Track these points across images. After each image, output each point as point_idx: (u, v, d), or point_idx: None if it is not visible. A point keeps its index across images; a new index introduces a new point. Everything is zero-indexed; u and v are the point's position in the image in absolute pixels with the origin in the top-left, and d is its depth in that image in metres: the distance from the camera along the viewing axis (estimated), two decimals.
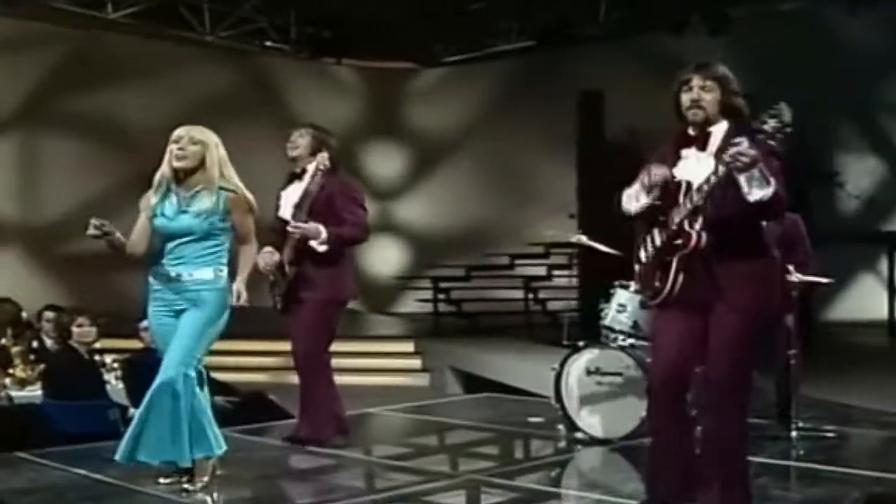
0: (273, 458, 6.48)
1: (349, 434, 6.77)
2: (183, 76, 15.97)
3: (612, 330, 6.81)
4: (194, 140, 5.38)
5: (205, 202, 5.35)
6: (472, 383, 12.17)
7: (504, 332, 14.71)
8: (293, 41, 16.70)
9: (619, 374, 6.64)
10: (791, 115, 4.24)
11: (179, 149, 5.36)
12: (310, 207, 6.49)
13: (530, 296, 16.22)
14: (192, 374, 5.34)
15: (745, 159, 4.25)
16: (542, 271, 16.56)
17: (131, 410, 7.38)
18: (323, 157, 6.52)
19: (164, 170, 5.42)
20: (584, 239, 7.22)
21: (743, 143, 4.28)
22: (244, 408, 8.06)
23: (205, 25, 15.54)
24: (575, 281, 16.22)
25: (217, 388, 7.08)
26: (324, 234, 6.44)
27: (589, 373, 6.76)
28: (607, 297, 6.90)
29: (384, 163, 18.34)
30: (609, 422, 6.65)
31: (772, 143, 4.33)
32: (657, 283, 4.62)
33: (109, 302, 12.11)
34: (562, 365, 6.88)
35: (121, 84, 15.45)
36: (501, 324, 15.40)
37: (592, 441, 6.70)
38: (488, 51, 17.16)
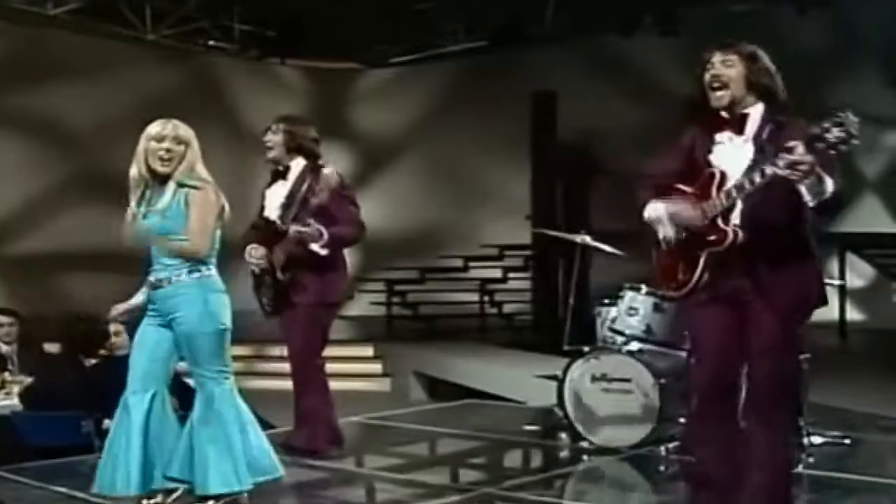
0: None
1: (343, 445, 6.50)
2: (125, 75, 15.45)
3: (621, 334, 6.58)
4: (180, 140, 4.96)
5: (165, 199, 4.92)
6: (437, 388, 11.91)
7: (460, 334, 14.46)
8: (237, 41, 16.33)
9: (628, 379, 6.41)
10: (858, 126, 3.80)
11: (166, 150, 4.92)
12: (303, 208, 6.19)
13: (485, 298, 16.02)
14: (228, 386, 5.00)
15: (804, 168, 3.87)
16: (496, 274, 16.38)
17: (106, 422, 7.01)
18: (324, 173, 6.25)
19: (140, 170, 4.97)
20: (588, 239, 7.00)
21: (798, 149, 3.87)
22: None
23: (146, 24, 15.11)
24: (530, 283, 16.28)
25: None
26: (326, 236, 6.15)
27: (594, 379, 6.53)
28: (612, 300, 6.67)
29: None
30: (617, 430, 6.43)
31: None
32: (681, 276, 4.32)
33: (55, 305, 11.72)
34: (565, 371, 6.64)
35: (62, 82, 14.89)
36: (456, 326, 15.15)
37: (599, 450, 6.47)
38: (436, 51, 16.90)
